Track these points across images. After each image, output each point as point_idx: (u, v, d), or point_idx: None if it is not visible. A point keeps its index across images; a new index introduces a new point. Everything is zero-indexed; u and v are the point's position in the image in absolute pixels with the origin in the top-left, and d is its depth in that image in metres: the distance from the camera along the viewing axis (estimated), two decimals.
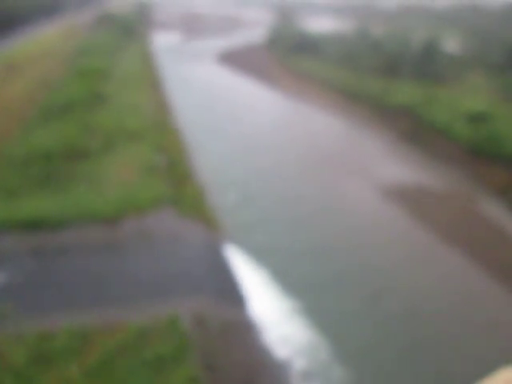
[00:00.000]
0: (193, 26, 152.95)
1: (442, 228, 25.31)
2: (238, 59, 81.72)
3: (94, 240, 19.29)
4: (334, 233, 24.42)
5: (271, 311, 17.86)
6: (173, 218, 21.33)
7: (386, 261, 22.10)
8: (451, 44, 78.93)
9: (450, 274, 21.34)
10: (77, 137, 27.05)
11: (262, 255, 21.50)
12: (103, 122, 31.09)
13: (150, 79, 52.97)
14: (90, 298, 16.02)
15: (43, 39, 65.35)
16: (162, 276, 17.52)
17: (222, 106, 49.72)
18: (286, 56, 75.95)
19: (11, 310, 13.45)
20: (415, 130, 40.17)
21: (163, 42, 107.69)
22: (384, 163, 34.90)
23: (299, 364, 15.40)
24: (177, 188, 24.48)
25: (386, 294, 19.42)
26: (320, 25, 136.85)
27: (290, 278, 19.97)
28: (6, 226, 19.09)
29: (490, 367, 2.30)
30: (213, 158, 34.12)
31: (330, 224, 25.30)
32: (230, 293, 18.22)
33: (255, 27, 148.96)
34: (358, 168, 33.37)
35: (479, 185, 31.30)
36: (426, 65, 54.34)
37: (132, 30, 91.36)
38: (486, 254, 22.74)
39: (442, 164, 34.80)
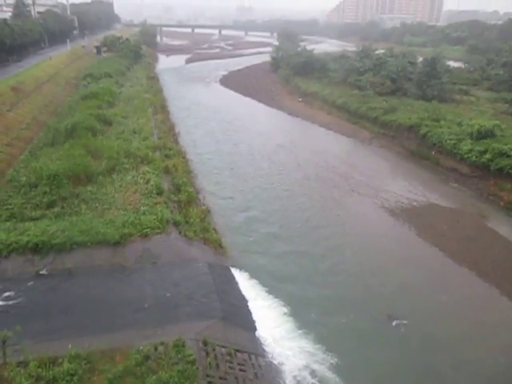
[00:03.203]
0: (198, 47, 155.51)
1: (454, 246, 24.88)
2: (241, 80, 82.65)
3: (99, 263, 19.07)
4: (343, 255, 24.00)
5: (279, 335, 17.37)
6: (178, 241, 21.06)
7: (397, 283, 21.61)
8: (454, 60, 79.40)
9: (464, 297, 20.81)
10: (82, 160, 27.00)
11: (268, 278, 21.11)
12: (108, 145, 31.09)
13: (156, 102, 53.38)
14: (94, 323, 15.73)
15: (50, 64, 66.27)
16: (167, 300, 17.24)
17: (227, 127, 49.89)
18: (289, 77, 76.68)
19: (15, 335, 13.14)
20: (422, 148, 40.00)
21: (169, 63, 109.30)
22: (392, 182, 34.65)
23: None
24: (182, 210, 24.29)
25: (397, 316, 18.90)
26: (323, 46, 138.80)
27: (297, 301, 19.52)
28: (11, 250, 18.90)
29: None
30: (218, 179, 33.99)
31: (339, 246, 24.89)
32: (236, 316, 17.78)
33: (259, 47, 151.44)
34: (366, 186, 33.12)
35: (490, 202, 31.00)
36: (430, 82, 54.50)
37: (138, 53, 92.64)
38: (502, 274, 22.23)
39: (450, 182, 34.54)
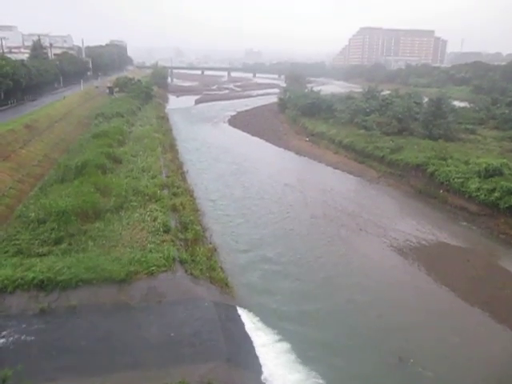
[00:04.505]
0: (207, 88, 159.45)
1: (465, 286, 24.37)
2: (250, 120, 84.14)
3: (104, 301, 18.85)
4: (352, 295, 23.55)
5: (286, 379, 16.83)
6: (184, 280, 20.84)
7: (407, 324, 21.07)
8: (460, 100, 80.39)
9: (477, 339, 20.18)
10: (91, 197, 27.24)
11: (275, 319, 20.70)
12: (117, 183, 31.45)
13: (165, 141, 54.31)
14: (97, 363, 15.47)
15: (64, 103, 68.21)
16: (172, 340, 16.92)
17: (235, 167, 50.25)
18: (297, 117, 77.96)
19: (15, 374, 12.86)
20: (429, 186, 39.93)
21: (179, 104, 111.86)
22: (400, 220, 34.39)
23: None
24: (188, 248, 24.18)
25: (408, 359, 18.30)
26: (330, 87, 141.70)
27: (305, 343, 19.04)
28: (17, 286, 18.79)
29: None
30: (226, 218, 33.97)
31: (348, 286, 24.47)
32: (242, 358, 17.35)
33: (267, 89, 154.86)
34: (374, 225, 32.90)
35: (500, 241, 30.58)
36: (436, 122, 55.09)
37: (149, 93, 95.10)
38: None
39: (459, 220, 34.23)
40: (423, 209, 37.30)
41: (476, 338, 20.24)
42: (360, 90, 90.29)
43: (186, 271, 21.45)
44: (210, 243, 27.10)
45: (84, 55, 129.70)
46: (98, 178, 31.53)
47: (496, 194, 32.77)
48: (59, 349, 16.11)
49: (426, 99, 68.05)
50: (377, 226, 32.78)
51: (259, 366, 17.10)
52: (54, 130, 51.80)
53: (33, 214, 25.43)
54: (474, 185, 35.08)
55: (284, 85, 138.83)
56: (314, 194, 40.44)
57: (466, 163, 39.73)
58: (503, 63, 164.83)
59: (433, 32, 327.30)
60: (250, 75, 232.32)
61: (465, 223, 33.71)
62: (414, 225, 33.33)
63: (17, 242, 22.80)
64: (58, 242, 22.89)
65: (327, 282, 24.81)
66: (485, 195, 33.60)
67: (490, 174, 35.33)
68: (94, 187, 29.22)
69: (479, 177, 35.72)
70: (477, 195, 34.29)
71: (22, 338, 16.51)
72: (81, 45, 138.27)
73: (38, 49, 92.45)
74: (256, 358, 17.56)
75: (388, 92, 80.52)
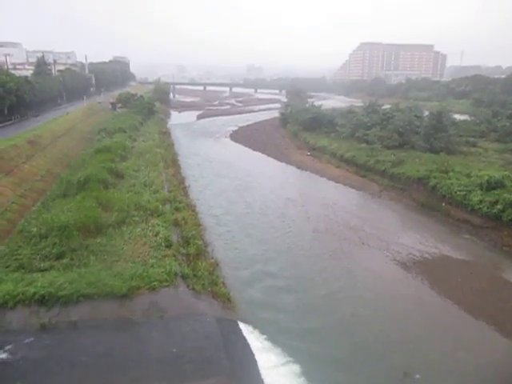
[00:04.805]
0: (209, 103, 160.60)
1: (469, 299, 24.16)
2: (251, 135, 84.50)
3: (106, 316, 18.74)
4: (355, 309, 23.36)
5: None
6: (186, 295, 20.72)
7: (411, 338, 20.85)
8: (460, 114, 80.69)
9: (483, 353, 19.93)
10: (93, 212, 27.26)
11: (277, 334, 20.50)
12: (119, 197, 31.50)
13: (167, 156, 54.50)
14: (98, 379, 15.35)
15: (67, 118, 68.75)
16: (174, 356, 16.77)
17: (237, 182, 50.28)
18: (298, 132, 78.30)
19: None
20: (431, 199, 39.86)
21: (181, 119, 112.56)
22: (403, 234, 34.24)
23: None
24: (190, 263, 24.08)
25: (413, 373, 18.06)
26: (331, 102, 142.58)
27: (308, 359, 18.83)
28: (18, 301, 18.71)
29: None
30: (228, 233, 33.87)
31: (350, 300, 24.29)
32: (244, 373, 17.15)
33: (268, 104, 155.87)
34: (376, 239, 32.76)
35: (504, 253, 30.40)
36: (437, 135, 55.24)
37: (151, 109, 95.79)
38: None
39: (462, 233, 34.08)
40: (426, 222, 37.17)
41: (481, 352, 19.99)
42: (361, 104, 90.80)
43: (188, 286, 21.34)
44: (212, 258, 26.99)
45: (87, 71, 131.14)
46: (100, 192, 31.59)
47: (499, 207, 32.68)
48: (60, 365, 15.97)
49: (426, 113, 68.39)
50: (379, 240, 32.64)
51: (261, 381, 16.89)
52: (56, 145, 52.10)
53: (35, 229, 25.43)
54: (476, 197, 35.02)
55: (285, 100, 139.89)
56: (316, 208, 40.38)
57: (468, 176, 39.71)
58: (503, 76, 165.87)
59: (432, 46, 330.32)
60: (252, 90, 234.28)
61: (468, 236, 33.55)
62: (417, 238, 33.18)
63: (18, 257, 22.78)
64: (59, 256, 22.85)
65: (330, 296, 24.62)
66: (487, 208, 33.51)
67: (492, 186, 35.28)
68: (96, 202, 29.25)
69: (481, 189, 35.66)
70: (479, 208, 34.19)
71: (23, 353, 16.37)
72: (84, 61, 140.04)
73: (41, 65, 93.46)
74: (258, 373, 17.34)
75: (389, 106, 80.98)
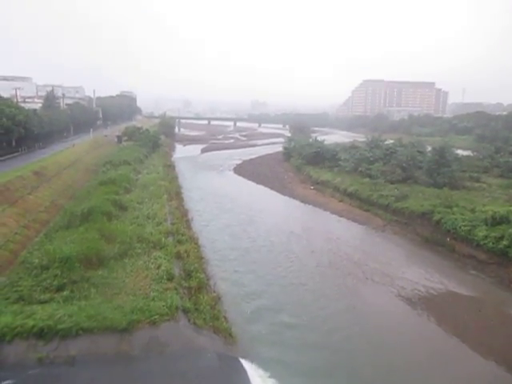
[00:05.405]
0: (213, 137, 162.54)
1: (477, 338, 23.56)
2: (255, 169, 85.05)
3: (105, 351, 18.31)
4: (359, 346, 22.80)
5: None
6: (187, 330, 20.31)
7: (419, 378, 20.22)
8: (463, 149, 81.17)
9: None
10: (95, 244, 27.18)
11: (281, 371, 19.95)
12: (122, 229, 31.47)
13: (171, 189, 54.75)
14: None
15: (73, 151, 69.69)
16: None
17: (241, 216, 49.95)
18: (301, 166, 78.82)
19: None
20: (436, 234, 39.56)
21: (185, 152, 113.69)
22: (407, 269, 33.80)
23: None
24: (192, 297, 23.76)
25: None
26: (334, 137, 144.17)
27: None
28: (16, 334, 18.35)
29: None
30: (230, 267, 33.55)
31: (353, 337, 23.74)
32: None
33: (272, 138, 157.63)
34: (381, 274, 32.33)
35: (511, 289, 29.84)
36: (440, 170, 55.44)
37: (156, 142, 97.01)
38: None
39: (468, 269, 33.63)
40: (430, 257, 36.76)
41: None
42: (363, 139, 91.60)
43: (189, 320, 20.97)
44: (214, 292, 26.63)
45: (94, 105, 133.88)
46: (103, 224, 31.59)
47: (504, 242, 32.34)
48: None
49: (429, 148, 68.87)
50: (384, 275, 32.21)
51: None
52: (62, 176, 52.57)
53: (36, 260, 25.30)
54: (481, 233, 34.73)
55: (288, 134, 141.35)
56: (319, 242, 40.11)
57: (472, 211, 39.55)
58: (504, 113, 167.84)
59: (433, 84, 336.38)
60: (256, 125, 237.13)
61: (474, 272, 33.07)
62: (422, 273, 32.73)
63: (19, 289, 22.51)
64: (60, 288, 22.58)
65: (334, 332, 24.05)
66: (493, 243, 33.17)
67: (497, 221, 35.05)
68: (98, 234, 29.20)
69: (486, 224, 35.42)
70: (485, 243, 33.84)
71: None
72: (92, 95, 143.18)
73: (50, 99, 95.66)
74: None
75: (391, 141, 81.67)
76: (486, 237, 34.06)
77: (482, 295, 29.39)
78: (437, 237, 39.22)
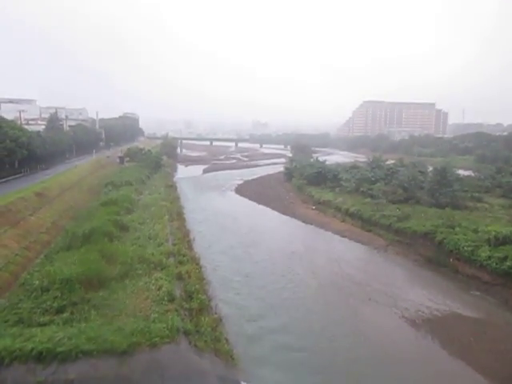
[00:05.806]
0: (215, 158, 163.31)
1: (483, 360, 23.12)
2: (256, 189, 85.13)
3: (104, 374, 17.94)
4: (365, 369, 22.42)
5: None
6: (188, 352, 19.99)
7: None
8: (464, 169, 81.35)
9: None
10: (96, 265, 27.04)
11: None
12: (123, 250, 31.34)
13: (172, 209, 54.73)
14: None
15: (75, 172, 70.04)
16: None
17: (242, 237, 49.89)
18: (303, 186, 78.93)
19: None
20: (438, 254, 39.29)
21: (187, 173, 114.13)
22: (410, 290, 33.50)
23: None
24: (193, 319, 23.49)
25: None
26: (335, 157, 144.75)
27: None
28: (14, 357, 18.06)
29: None
30: (232, 288, 33.29)
31: (358, 359, 23.36)
32: None
33: (273, 159, 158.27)
34: (383, 295, 32.00)
35: None
36: (442, 190, 55.43)
37: (158, 163, 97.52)
38: None
39: (472, 290, 33.27)
40: (433, 277, 36.43)
41: None
42: (364, 159, 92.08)
43: (190, 343, 20.65)
44: (216, 313, 26.34)
45: (97, 127, 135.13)
46: (104, 245, 31.47)
47: (508, 263, 32.08)
48: None
49: (430, 168, 69.10)
50: (386, 296, 31.88)
51: None
52: (63, 197, 52.68)
53: (37, 282, 25.12)
54: (484, 253, 34.48)
55: (290, 155, 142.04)
56: (321, 262, 39.86)
57: (475, 231, 39.37)
58: (505, 133, 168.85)
59: (434, 105, 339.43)
60: (257, 145, 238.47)
61: (478, 293, 32.71)
62: (425, 294, 32.38)
63: (18, 311, 22.30)
64: (60, 310, 22.35)
65: (337, 355, 23.70)
66: (496, 264, 32.90)
67: (500, 242, 34.85)
68: (99, 255, 29.06)
69: (489, 245, 35.21)
70: (488, 264, 33.57)
71: None
72: (95, 117, 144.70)
73: (54, 121, 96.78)
74: None
75: (392, 161, 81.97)
76: (489, 257, 33.81)
77: (486, 317, 29.00)
78: (439, 257, 38.94)
